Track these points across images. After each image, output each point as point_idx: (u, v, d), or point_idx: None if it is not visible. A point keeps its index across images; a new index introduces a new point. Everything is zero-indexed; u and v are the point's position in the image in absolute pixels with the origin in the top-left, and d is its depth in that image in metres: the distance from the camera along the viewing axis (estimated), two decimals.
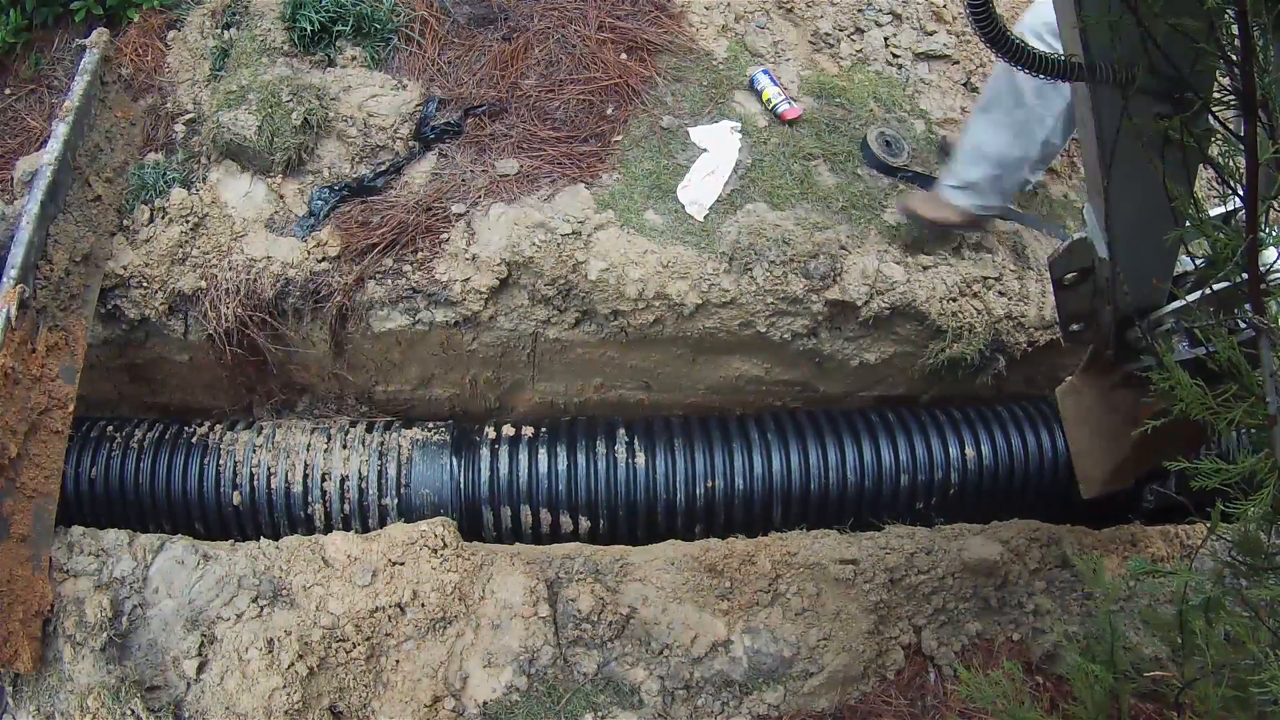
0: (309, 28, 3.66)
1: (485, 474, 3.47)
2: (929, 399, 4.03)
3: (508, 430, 3.59)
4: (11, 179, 3.54)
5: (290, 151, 3.53)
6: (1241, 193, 1.68)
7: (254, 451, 3.42)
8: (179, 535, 3.05)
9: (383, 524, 3.32)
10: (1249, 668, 1.94)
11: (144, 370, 3.72)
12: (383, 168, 3.61)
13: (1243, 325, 2.11)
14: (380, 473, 3.43)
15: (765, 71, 4.01)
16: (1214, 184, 3.86)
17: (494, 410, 4.00)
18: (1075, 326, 2.77)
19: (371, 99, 3.67)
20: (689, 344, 3.68)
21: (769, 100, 3.95)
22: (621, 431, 3.59)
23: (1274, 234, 1.73)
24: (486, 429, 3.61)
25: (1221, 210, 2.32)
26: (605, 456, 3.52)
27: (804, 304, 3.57)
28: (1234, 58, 1.58)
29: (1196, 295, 2.31)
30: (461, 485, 3.47)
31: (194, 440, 3.45)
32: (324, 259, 3.43)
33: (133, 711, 2.74)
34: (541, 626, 3.01)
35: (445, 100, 3.77)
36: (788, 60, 4.17)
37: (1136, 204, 2.24)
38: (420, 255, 3.47)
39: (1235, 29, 1.53)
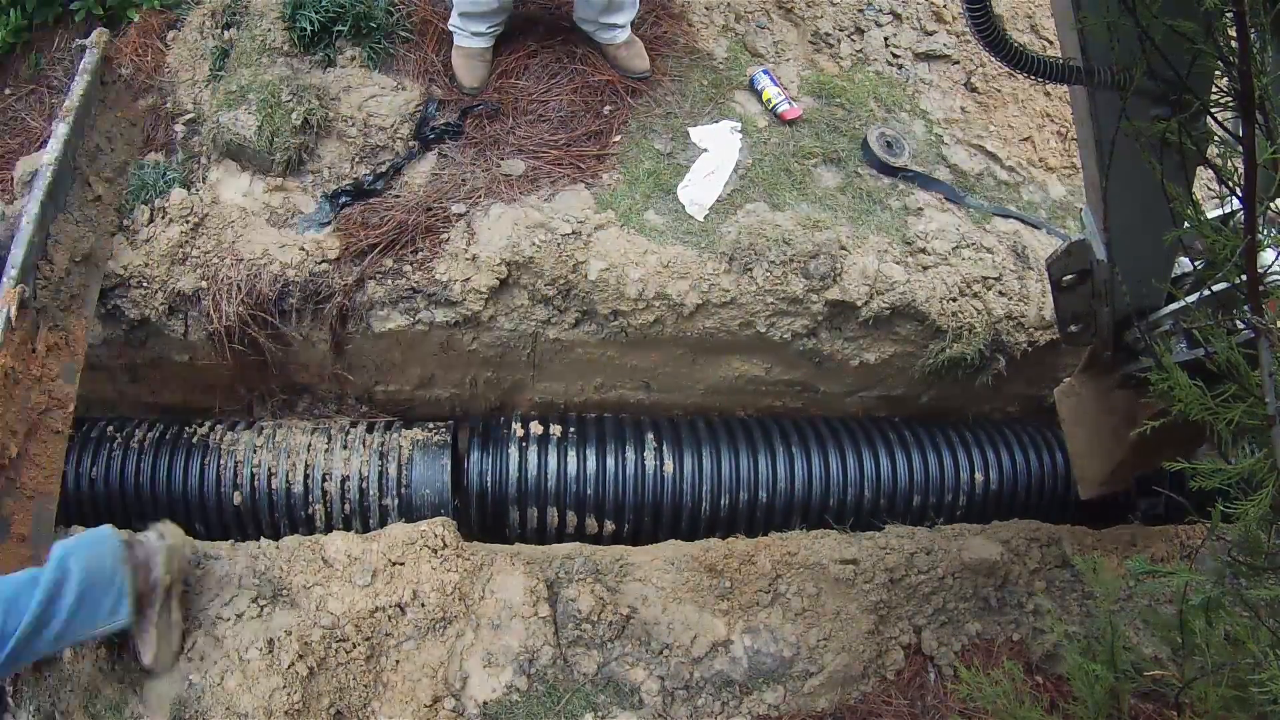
0: (309, 28, 3.66)
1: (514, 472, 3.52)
2: (929, 400, 4.03)
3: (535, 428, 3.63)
4: (11, 179, 3.54)
5: (290, 152, 3.53)
6: (1239, 194, 1.68)
7: (254, 452, 3.42)
8: None
9: (383, 524, 3.32)
10: (1249, 668, 1.95)
11: (144, 370, 3.72)
12: (383, 168, 3.61)
13: (1241, 326, 2.11)
14: (381, 473, 3.43)
15: (765, 71, 4.01)
16: (1209, 185, 3.88)
17: (495, 409, 4.00)
18: (1074, 328, 2.77)
19: (371, 99, 3.67)
20: (689, 344, 3.68)
21: (769, 100, 3.95)
22: (650, 437, 3.64)
23: (1273, 234, 1.74)
24: (514, 424, 3.63)
25: (1220, 212, 2.32)
26: (634, 462, 3.57)
27: (804, 304, 3.57)
28: (1232, 59, 1.58)
29: (1195, 296, 2.31)
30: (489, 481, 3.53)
31: (194, 440, 3.45)
32: (324, 259, 3.43)
33: (132, 711, 2.74)
34: (541, 626, 3.01)
35: (445, 101, 3.77)
36: (788, 60, 4.17)
37: (1134, 206, 2.24)
38: (420, 255, 3.48)
39: (1233, 30, 1.53)
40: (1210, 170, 1.82)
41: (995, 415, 4.21)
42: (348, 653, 2.87)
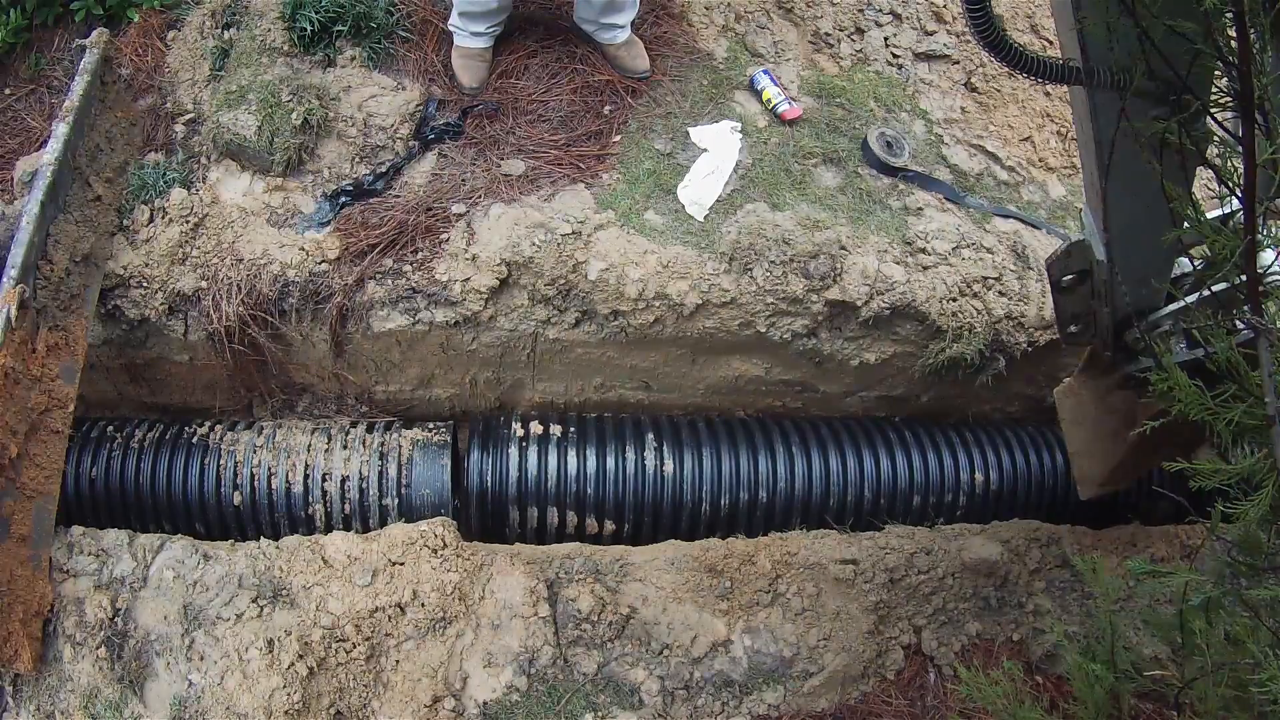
0: (309, 28, 3.66)
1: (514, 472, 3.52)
2: (929, 400, 4.03)
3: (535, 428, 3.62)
4: (11, 179, 3.54)
5: (290, 151, 3.53)
6: (1239, 194, 1.68)
7: (254, 452, 3.42)
8: (179, 535, 3.06)
9: (383, 524, 3.32)
10: (1249, 668, 1.95)
11: (144, 370, 3.72)
12: (383, 168, 3.61)
13: (1241, 326, 2.11)
14: (381, 473, 3.43)
15: (765, 71, 4.01)
16: (1209, 185, 3.87)
17: (495, 409, 4.01)
18: (1074, 328, 2.77)
19: (371, 99, 3.67)
20: (689, 344, 3.68)
21: (769, 100, 3.95)
22: (650, 437, 3.63)
23: (1273, 233, 1.73)
24: (514, 424, 3.63)
25: (1219, 212, 2.32)
26: (634, 462, 3.57)
27: (804, 304, 3.57)
28: (1231, 59, 1.58)
29: (1195, 297, 2.31)
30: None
31: (194, 440, 3.45)
32: (324, 259, 3.43)
33: (132, 711, 2.74)
34: (541, 626, 3.01)
35: (445, 100, 3.77)
36: (788, 60, 4.17)
37: (1134, 206, 2.24)
38: (420, 255, 3.48)
39: (1233, 30, 1.53)
40: (1210, 170, 1.82)
41: (995, 415, 4.21)
42: (348, 653, 2.87)
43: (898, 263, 3.62)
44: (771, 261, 3.52)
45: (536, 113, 3.79)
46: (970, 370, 3.76)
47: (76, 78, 3.47)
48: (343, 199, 3.53)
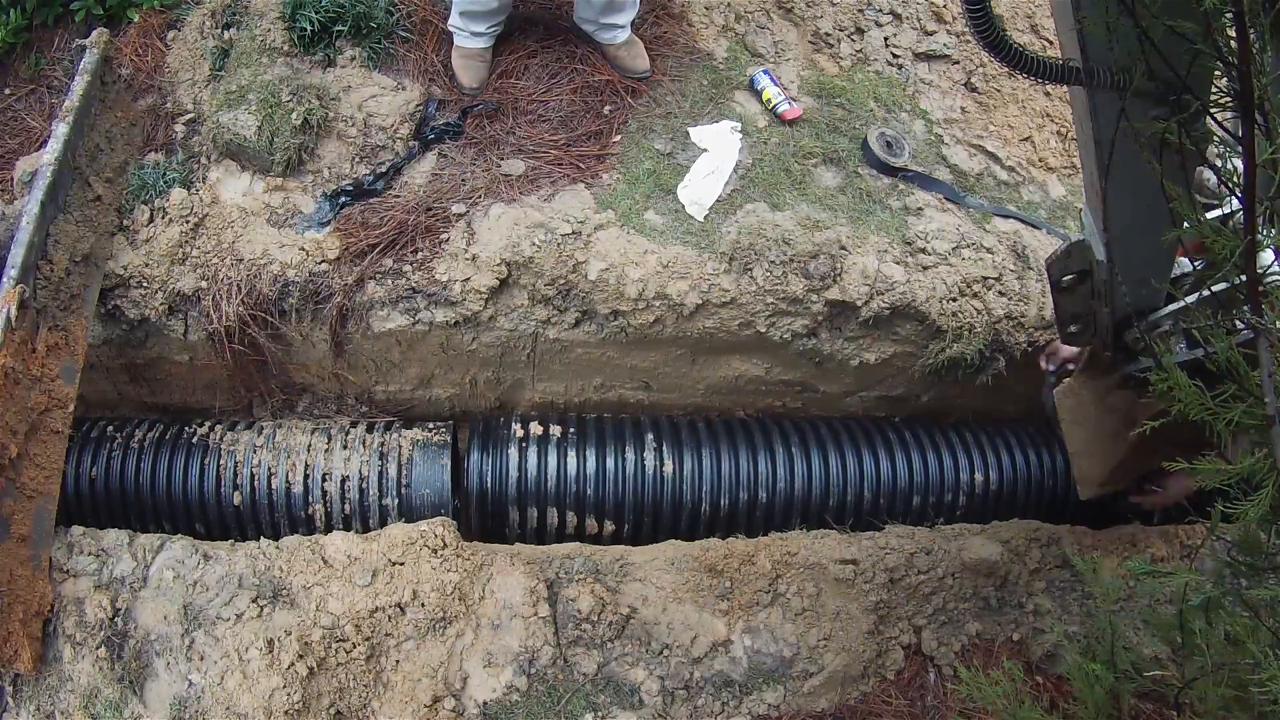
0: (309, 28, 3.66)
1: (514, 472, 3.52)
2: (929, 400, 4.03)
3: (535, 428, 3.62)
4: (11, 179, 3.54)
5: (290, 151, 3.53)
6: (1239, 194, 1.68)
7: (254, 452, 3.42)
8: (179, 535, 3.06)
9: (383, 524, 3.32)
10: (1249, 668, 1.94)
11: (144, 370, 3.73)
12: (383, 168, 3.61)
13: (1241, 326, 2.10)
14: (381, 473, 3.43)
15: (765, 71, 4.01)
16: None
17: (495, 409, 4.01)
18: (1074, 328, 2.77)
19: (371, 99, 3.67)
20: (689, 344, 3.68)
21: (769, 100, 3.95)
22: (650, 437, 3.63)
23: (1272, 234, 1.73)
24: (513, 424, 3.63)
25: (1219, 212, 2.32)
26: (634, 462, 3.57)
27: (804, 304, 3.57)
28: (1231, 60, 1.57)
29: (1195, 297, 2.31)
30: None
31: (194, 440, 3.45)
32: (324, 259, 3.43)
33: (132, 711, 2.74)
34: (541, 626, 3.01)
35: (445, 100, 3.77)
36: (788, 60, 4.17)
37: (1134, 206, 2.24)
38: (420, 255, 3.48)
39: (1233, 31, 1.53)
40: (1210, 171, 1.82)
41: (995, 415, 4.21)
42: (348, 653, 2.87)
43: (898, 263, 3.62)
44: (771, 261, 3.52)
45: (536, 113, 3.79)
46: (970, 370, 3.76)
47: (76, 78, 3.48)
48: (343, 199, 3.53)
